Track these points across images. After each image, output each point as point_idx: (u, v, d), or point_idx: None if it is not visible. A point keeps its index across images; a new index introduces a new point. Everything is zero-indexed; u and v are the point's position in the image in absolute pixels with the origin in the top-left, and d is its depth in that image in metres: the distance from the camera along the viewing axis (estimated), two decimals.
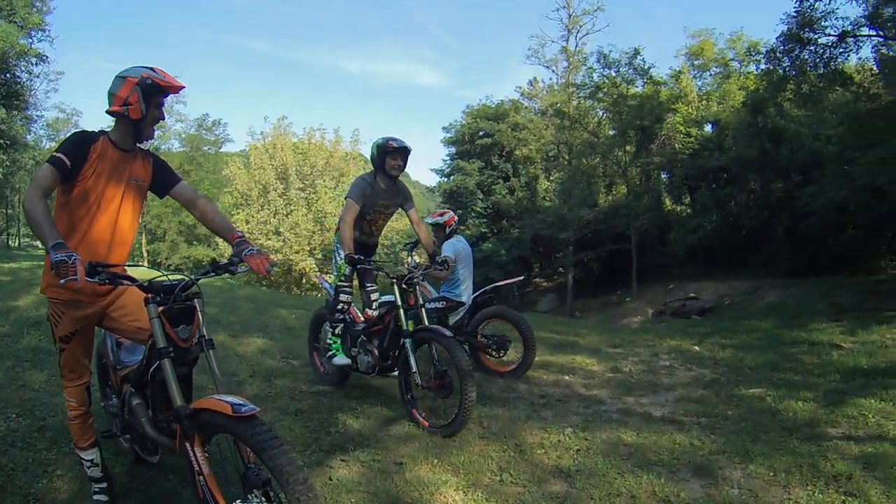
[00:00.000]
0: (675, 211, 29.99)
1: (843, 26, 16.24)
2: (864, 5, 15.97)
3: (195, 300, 2.83)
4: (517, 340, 6.53)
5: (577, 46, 34.01)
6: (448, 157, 40.22)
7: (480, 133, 37.64)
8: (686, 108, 29.02)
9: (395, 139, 5.15)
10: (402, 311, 4.94)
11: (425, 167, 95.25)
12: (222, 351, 6.71)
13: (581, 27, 33.72)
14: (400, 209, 5.53)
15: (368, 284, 5.48)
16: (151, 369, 2.89)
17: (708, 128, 29.68)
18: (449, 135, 39.89)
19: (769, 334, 10.08)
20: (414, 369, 4.73)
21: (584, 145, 30.30)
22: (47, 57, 27.44)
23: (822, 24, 16.44)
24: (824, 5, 16.24)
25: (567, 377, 6.75)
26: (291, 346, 7.37)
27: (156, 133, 3.30)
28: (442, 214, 7.03)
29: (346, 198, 5.23)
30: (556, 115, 33.21)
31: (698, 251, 26.55)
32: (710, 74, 32.17)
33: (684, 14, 72.25)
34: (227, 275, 3.06)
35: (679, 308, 19.66)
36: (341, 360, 5.33)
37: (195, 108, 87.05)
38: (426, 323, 5.01)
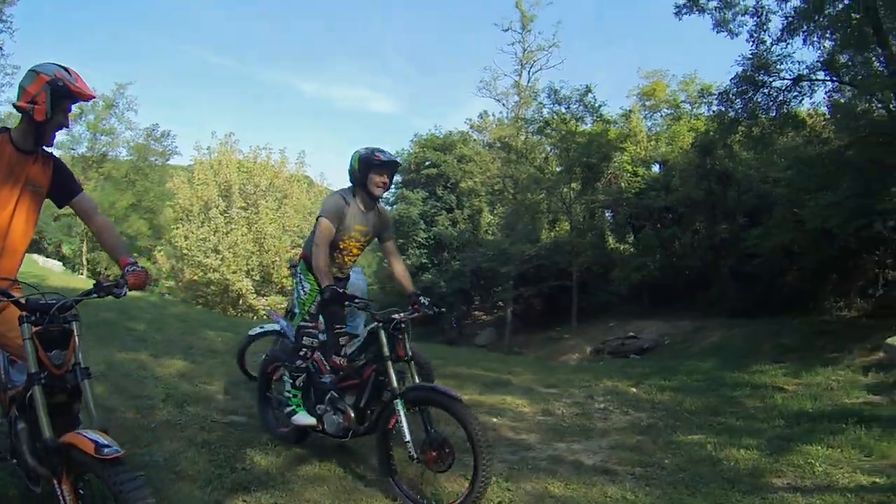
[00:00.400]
0: (618, 249, 30.31)
1: (799, 70, 16.68)
2: (820, 51, 16.55)
3: (73, 323, 2.71)
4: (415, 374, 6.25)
5: (529, 81, 34.46)
6: (394, 186, 39.65)
7: (426, 163, 37.73)
8: (634, 147, 29.53)
9: (382, 151, 4.45)
10: (390, 363, 4.10)
11: None
12: (141, 371, 6.44)
13: (535, 62, 34.17)
14: (376, 238, 4.82)
15: (338, 326, 4.76)
16: (28, 394, 2.73)
17: (655, 168, 30.29)
18: None
19: (710, 376, 10.14)
20: (408, 438, 3.91)
21: (530, 180, 30.49)
22: (2, 49, 26.35)
23: (778, 67, 16.88)
24: (781, 49, 16.73)
25: (495, 419, 6.44)
26: (211, 371, 7.03)
27: (55, 139, 3.13)
28: None
29: (318, 217, 4.48)
30: (503, 148, 33.46)
31: (642, 290, 26.88)
32: (661, 115, 32.82)
33: (641, 56, 74.66)
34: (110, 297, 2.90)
35: (618, 347, 19.76)
36: (303, 419, 4.48)
37: (148, 117, 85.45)
38: (416, 378, 4.24)
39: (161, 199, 41.02)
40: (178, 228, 26.77)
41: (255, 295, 25.92)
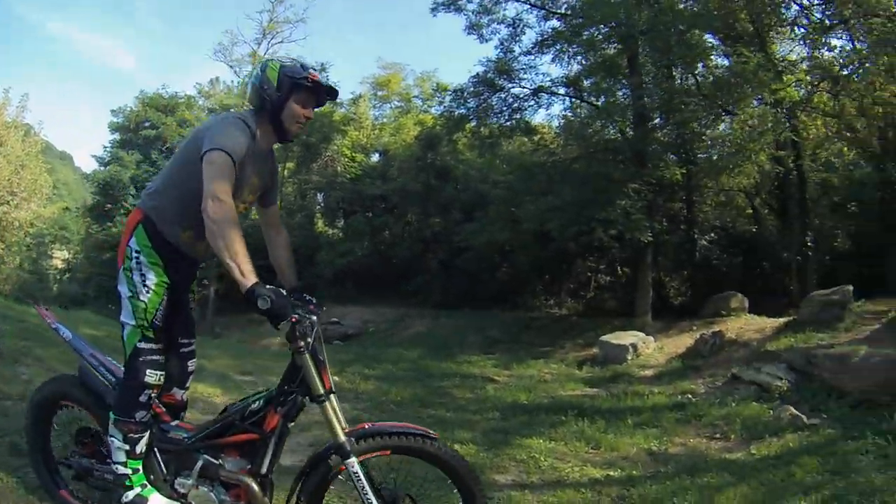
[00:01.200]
0: (326, 233, 30.25)
1: (541, 82, 17.54)
2: (567, 69, 17.63)
3: None
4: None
5: (267, 52, 33.29)
6: (110, 144, 38.50)
7: (146, 123, 36.60)
8: (357, 133, 29.87)
9: (314, 68, 2.82)
10: (329, 406, 2.60)
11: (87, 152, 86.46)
12: None
13: (278, 34, 33.63)
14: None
15: (185, 340, 3.12)
16: None
17: (375, 157, 30.94)
18: (117, 120, 38.33)
19: (417, 365, 10.24)
20: None
21: None
22: None
23: (521, 76, 17.54)
24: (528, 60, 17.42)
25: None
26: None
27: None
28: None
29: (209, 150, 2.58)
30: None
31: (347, 275, 26.87)
32: (391, 107, 33.75)
33: (385, 47, 76.69)
34: None
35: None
36: None
37: None
38: (338, 416, 2.64)
39: None
40: None
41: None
